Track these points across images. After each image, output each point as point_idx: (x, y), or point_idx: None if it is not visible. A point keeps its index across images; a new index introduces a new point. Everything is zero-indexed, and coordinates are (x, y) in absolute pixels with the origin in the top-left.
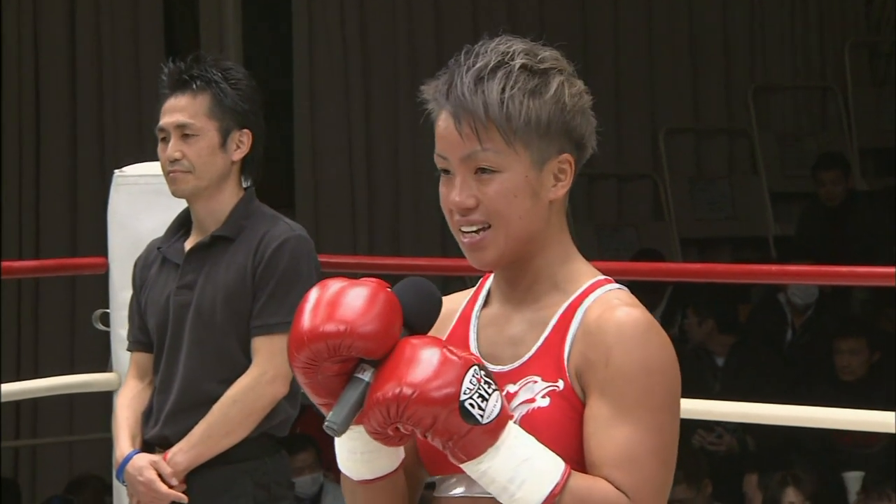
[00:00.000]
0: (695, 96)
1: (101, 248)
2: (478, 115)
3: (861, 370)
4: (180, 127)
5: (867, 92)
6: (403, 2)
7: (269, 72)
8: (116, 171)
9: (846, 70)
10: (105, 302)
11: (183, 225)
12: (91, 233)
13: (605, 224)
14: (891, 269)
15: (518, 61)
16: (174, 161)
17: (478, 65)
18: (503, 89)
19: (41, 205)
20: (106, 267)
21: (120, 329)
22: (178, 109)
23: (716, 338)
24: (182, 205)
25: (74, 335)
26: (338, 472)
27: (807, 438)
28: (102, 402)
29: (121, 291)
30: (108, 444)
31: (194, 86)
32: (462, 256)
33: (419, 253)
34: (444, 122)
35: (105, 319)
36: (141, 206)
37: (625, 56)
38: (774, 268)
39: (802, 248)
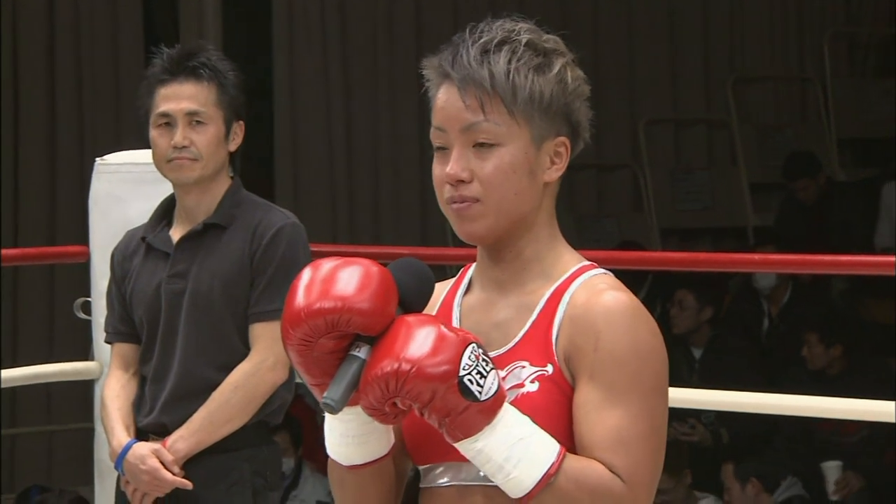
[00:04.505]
0: (674, 87)
1: (78, 237)
2: (483, 86)
3: (838, 363)
4: (191, 114)
5: (846, 83)
6: None
7: (248, 62)
8: (98, 159)
9: (825, 61)
10: (84, 290)
11: (165, 214)
12: (69, 222)
13: (586, 214)
14: (864, 258)
15: (524, 37)
16: (182, 148)
17: (483, 39)
18: (509, 62)
19: (20, 194)
20: (87, 255)
21: (101, 318)
22: (186, 97)
23: (702, 328)
24: (163, 194)
25: (53, 324)
26: (317, 458)
27: (783, 429)
28: (81, 392)
29: (102, 280)
30: (87, 433)
31: (203, 73)
32: (443, 245)
33: (399, 242)
34: (445, 94)
35: (86, 308)
36: (122, 195)
37: (604, 47)
38: (757, 256)
39: (781, 238)
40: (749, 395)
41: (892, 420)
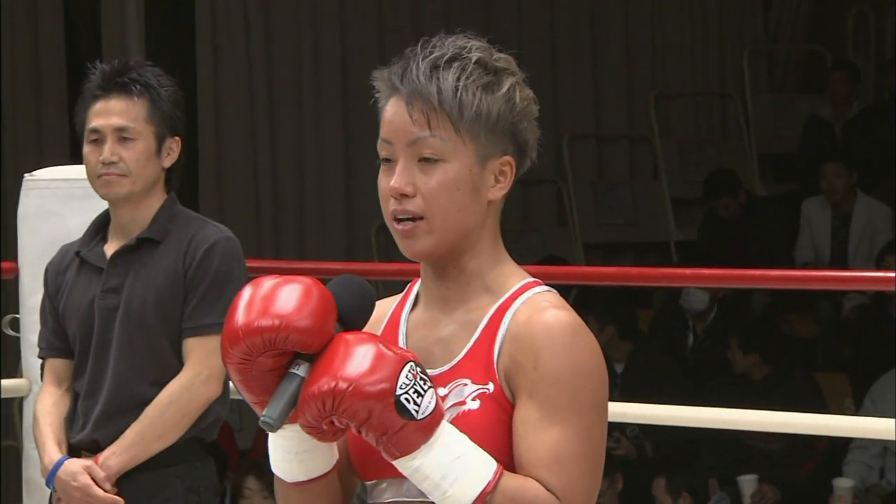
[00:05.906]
0: (597, 103)
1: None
2: (431, 101)
3: (758, 370)
4: (119, 130)
5: (766, 99)
6: (308, 6)
7: (171, 76)
8: (26, 175)
9: (745, 77)
10: (11, 307)
11: (100, 229)
12: None
13: (510, 229)
14: (793, 272)
15: (474, 55)
16: (110, 164)
17: (434, 54)
18: (458, 79)
19: None
20: (16, 272)
21: (30, 335)
22: (115, 112)
23: (615, 344)
24: (95, 209)
25: None
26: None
27: (706, 439)
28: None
29: (31, 296)
30: (13, 451)
31: (134, 89)
32: (369, 259)
33: (325, 257)
34: (394, 107)
35: (15, 325)
36: (52, 210)
37: (528, 64)
38: (689, 271)
39: (703, 252)
40: (678, 409)
41: (817, 433)
